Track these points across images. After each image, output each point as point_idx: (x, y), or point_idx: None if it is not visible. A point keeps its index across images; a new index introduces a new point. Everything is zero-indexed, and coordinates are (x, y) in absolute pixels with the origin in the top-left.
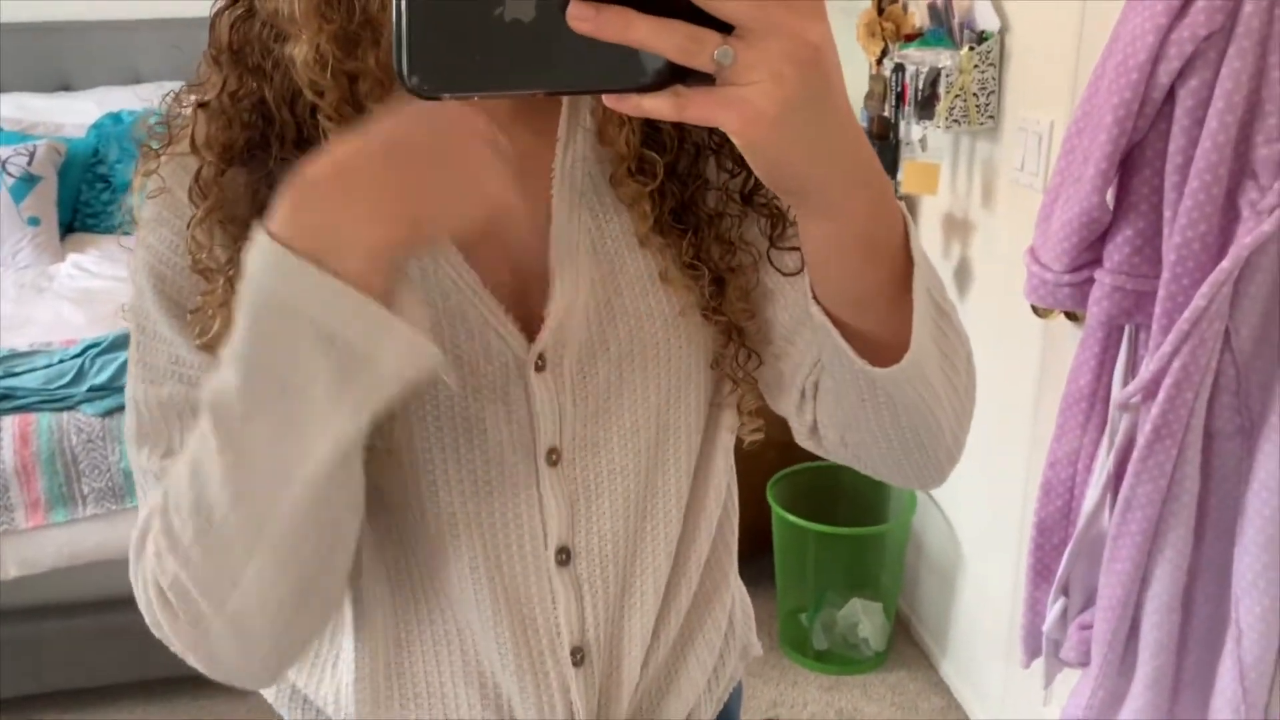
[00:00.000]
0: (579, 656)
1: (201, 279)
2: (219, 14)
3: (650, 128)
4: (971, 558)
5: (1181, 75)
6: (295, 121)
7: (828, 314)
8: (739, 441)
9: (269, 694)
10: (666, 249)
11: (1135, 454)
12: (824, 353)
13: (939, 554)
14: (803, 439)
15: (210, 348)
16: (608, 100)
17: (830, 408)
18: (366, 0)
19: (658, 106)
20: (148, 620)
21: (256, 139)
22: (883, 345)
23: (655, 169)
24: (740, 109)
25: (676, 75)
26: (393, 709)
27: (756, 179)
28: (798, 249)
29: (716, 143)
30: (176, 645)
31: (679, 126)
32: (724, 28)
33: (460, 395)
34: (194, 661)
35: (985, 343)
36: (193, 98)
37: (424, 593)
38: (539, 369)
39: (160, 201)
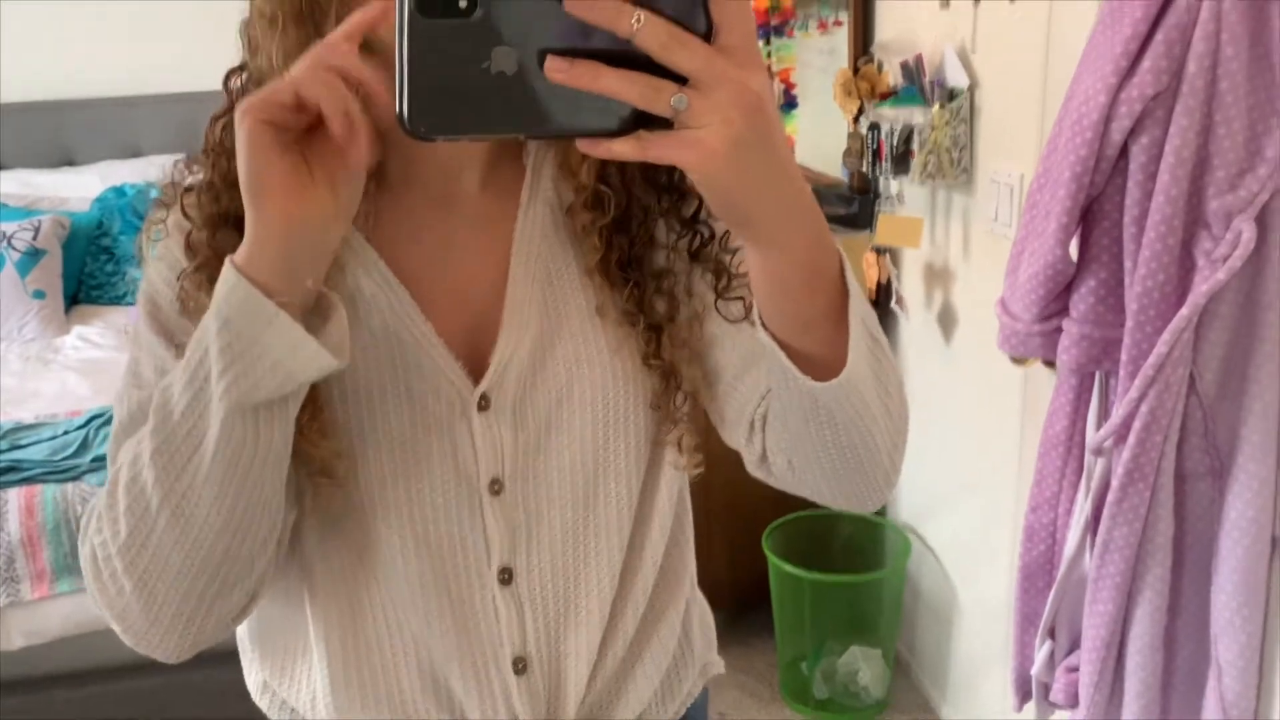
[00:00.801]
0: (520, 666)
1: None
2: (214, 119)
3: (601, 186)
4: (966, 601)
5: (1133, 133)
6: None
7: (775, 339)
8: (734, 492)
9: (259, 699)
10: (608, 288)
11: (1110, 497)
12: (772, 376)
13: (935, 598)
14: (753, 468)
15: None
16: (581, 144)
17: (778, 433)
18: None
19: (624, 149)
20: (86, 587)
21: (239, 210)
22: (823, 365)
23: (608, 205)
24: (695, 148)
25: (640, 121)
26: (359, 711)
27: (702, 239)
28: (740, 299)
29: (664, 208)
30: (101, 605)
31: (627, 189)
32: (679, 79)
33: (410, 429)
34: (114, 623)
35: (969, 389)
36: (195, 167)
37: (382, 607)
38: (482, 408)
39: (164, 245)
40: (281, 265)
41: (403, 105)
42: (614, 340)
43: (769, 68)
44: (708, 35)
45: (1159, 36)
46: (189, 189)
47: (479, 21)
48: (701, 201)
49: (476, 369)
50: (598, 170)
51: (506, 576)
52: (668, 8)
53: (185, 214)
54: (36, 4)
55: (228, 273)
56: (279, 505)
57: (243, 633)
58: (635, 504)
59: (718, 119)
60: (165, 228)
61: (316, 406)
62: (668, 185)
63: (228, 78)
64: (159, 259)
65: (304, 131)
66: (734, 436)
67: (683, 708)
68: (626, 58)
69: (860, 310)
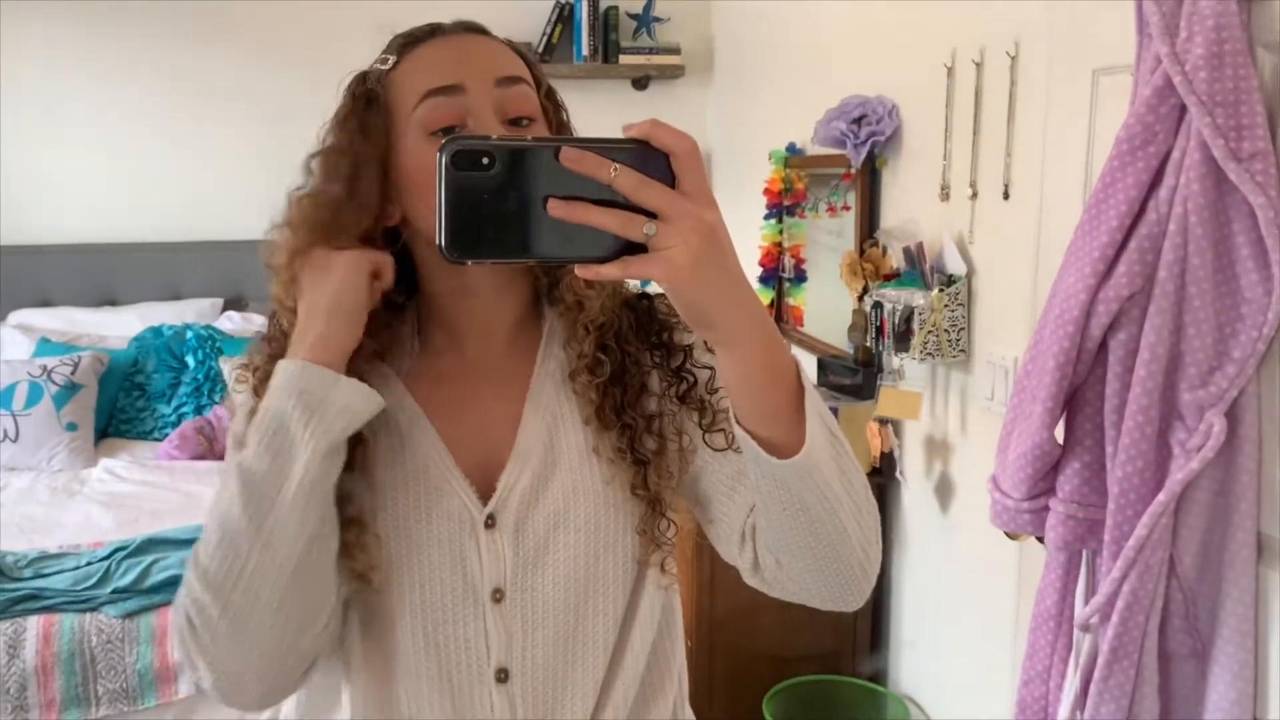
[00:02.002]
0: None
1: None
2: (271, 316)
3: (601, 350)
4: None
5: (1111, 328)
6: None
7: (748, 432)
8: (736, 656)
9: None
10: (604, 432)
11: (1096, 674)
12: (748, 466)
13: None
14: (748, 576)
15: None
16: (579, 270)
17: (764, 534)
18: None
19: (611, 270)
20: (178, 652)
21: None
22: (790, 453)
23: (603, 368)
24: (664, 264)
25: (623, 250)
26: None
27: (688, 384)
28: (723, 430)
29: (656, 361)
30: (199, 662)
31: (622, 349)
32: (650, 214)
33: (427, 542)
34: (207, 675)
35: (966, 560)
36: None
37: (397, 695)
38: (488, 526)
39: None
40: (340, 356)
41: (441, 237)
42: (607, 474)
43: (780, 243)
44: (672, 184)
45: (1132, 244)
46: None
47: (497, 174)
48: (687, 353)
49: (487, 494)
50: (596, 340)
51: (503, 676)
52: (640, 164)
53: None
54: (87, 153)
55: (288, 364)
56: (335, 554)
57: None
58: (620, 617)
59: (680, 241)
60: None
61: (362, 525)
62: (658, 343)
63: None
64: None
65: None
66: (729, 550)
67: None
68: (610, 201)
69: (816, 406)
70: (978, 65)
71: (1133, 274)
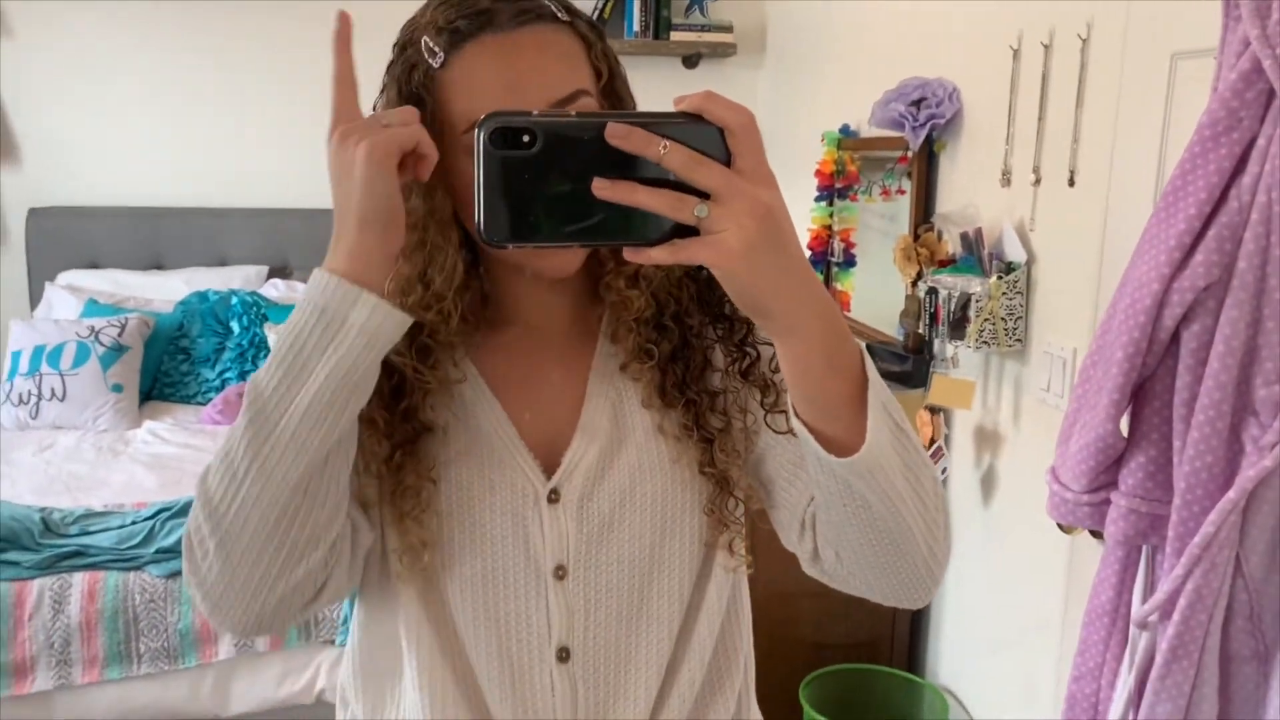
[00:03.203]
0: None
1: None
2: None
3: (656, 329)
4: None
5: (1184, 320)
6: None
7: (806, 425)
8: (773, 641)
9: None
10: (667, 411)
11: (1153, 672)
12: (808, 462)
13: None
14: (807, 566)
15: None
16: (626, 253)
17: (824, 527)
18: (435, 280)
19: (661, 255)
20: (183, 570)
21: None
22: (851, 449)
23: (653, 356)
24: (715, 248)
25: (672, 233)
26: None
27: (750, 360)
28: (785, 412)
29: (720, 334)
30: (190, 581)
31: (681, 325)
32: (702, 194)
33: (489, 515)
34: (195, 593)
35: (1013, 553)
36: None
37: (455, 674)
38: (552, 501)
39: None
40: (377, 277)
41: (480, 220)
42: (673, 452)
43: (830, 226)
44: (727, 162)
45: (1211, 233)
46: None
47: (539, 152)
48: (750, 327)
49: (551, 469)
50: (640, 336)
51: (564, 655)
52: (692, 140)
53: None
54: (138, 118)
55: (319, 276)
56: (342, 490)
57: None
58: (686, 601)
59: (734, 224)
60: None
61: (422, 500)
62: (720, 315)
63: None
64: None
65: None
66: (789, 538)
67: None
68: (660, 182)
69: (882, 397)
70: (1046, 48)
71: (1210, 264)
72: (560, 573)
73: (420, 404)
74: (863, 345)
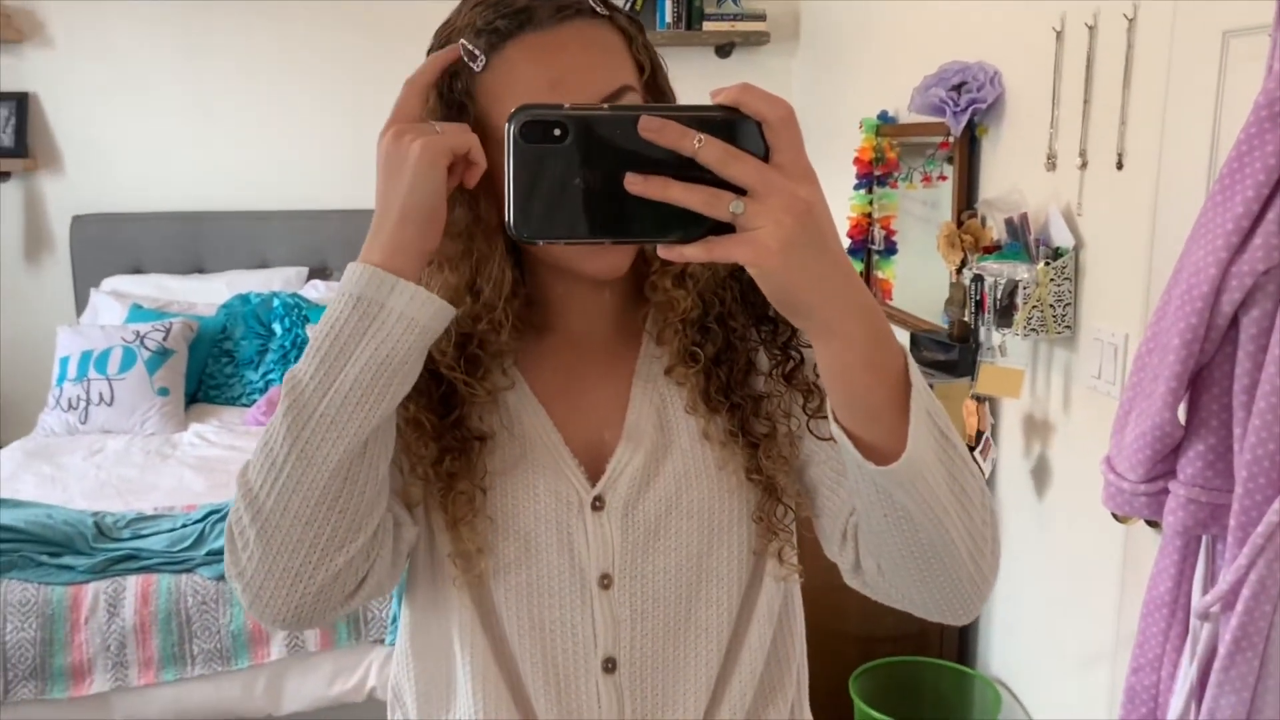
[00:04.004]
0: None
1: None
2: None
3: (700, 331)
4: None
5: (1244, 305)
6: (432, 371)
7: (845, 431)
8: (822, 635)
9: None
10: (712, 416)
11: (1217, 664)
12: (848, 470)
13: None
14: (849, 577)
15: None
16: (660, 251)
17: (865, 538)
18: (484, 290)
19: (695, 252)
20: (225, 568)
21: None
22: (891, 457)
23: (699, 359)
24: (751, 246)
25: (707, 230)
26: None
27: (794, 364)
28: (827, 418)
29: (763, 337)
30: (230, 571)
31: (725, 328)
32: (738, 190)
33: (534, 523)
34: (235, 584)
35: (1065, 543)
36: None
37: (507, 680)
38: (596, 508)
39: None
40: (414, 261)
41: (510, 214)
42: (719, 458)
43: (870, 214)
44: (765, 156)
45: (1270, 215)
46: None
47: (570, 146)
48: (794, 330)
49: (595, 475)
50: (686, 339)
51: (610, 666)
52: (728, 134)
53: None
54: (178, 123)
55: (354, 268)
56: (382, 480)
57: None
58: (735, 611)
59: (771, 221)
60: None
61: (474, 507)
62: (764, 317)
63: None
64: None
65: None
66: (830, 548)
67: None
68: (695, 177)
69: (925, 403)
70: (1090, 29)
71: (1270, 247)
72: (605, 582)
73: (470, 414)
74: (906, 349)
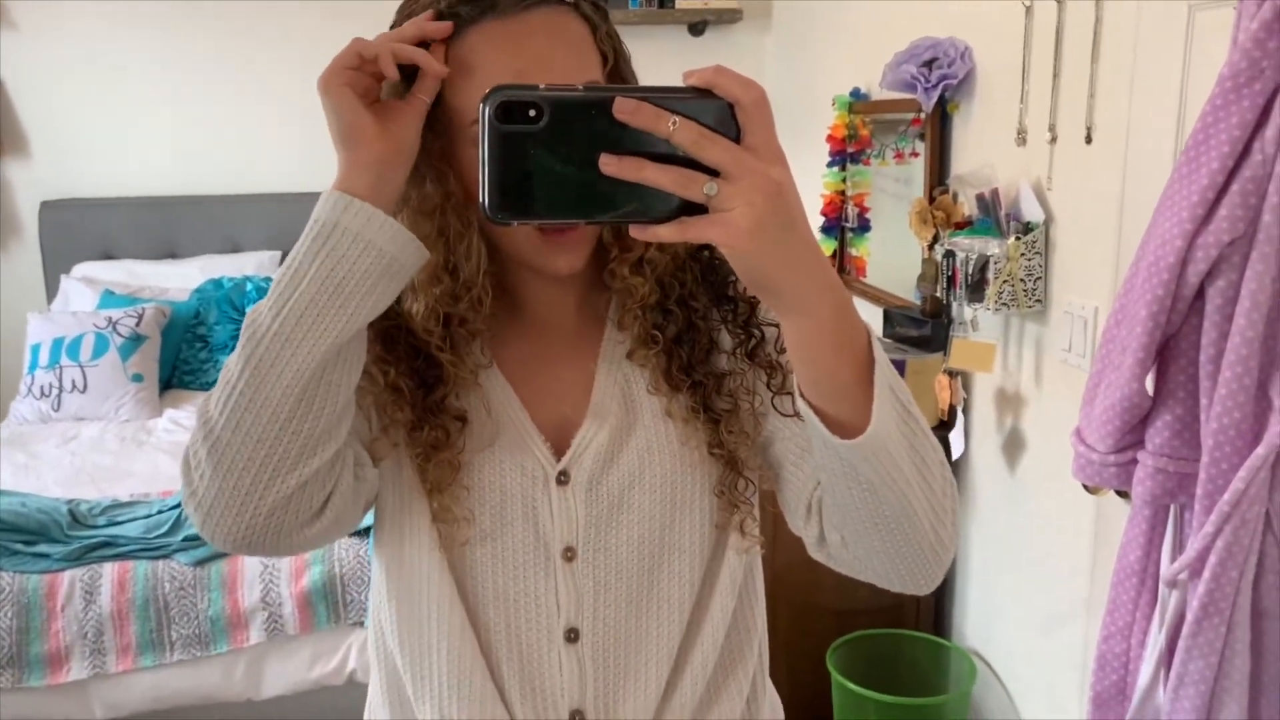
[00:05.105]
0: (577, 718)
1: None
2: None
3: (661, 315)
4: None
5: (1209, 276)
6: (411, 343)
7: (811, 406)
8: (799, 609)
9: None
10: (674, 394)
11: (1185, 630)
12: (813, 444)
13: None
14: (813, 549)
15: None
16: (633, 230)
17: (829, 511)
18: (462, 268)
19: (668, 232)
20: (182, 500)
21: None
22: (856, 432)
23: (659, 341)
24: (724, 227)
25: (681, 210)
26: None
27: (755, 341)
28: (791, 394)
29: (725, 315)
30: (184, 492)
31: (686, 309)
32: (711, 172)
33: (500, 496)
34: (188, 504)
35: (1039, 514)
36: None
37: (469, 654)
38: (561, 482)
39: None
40: (368, 188)
41: (484, 196)
42: (682, 434)
43: (843, 192)
44: (737, 138)
45: (1235, 187)
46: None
47: (545, 128)
48: (754, 308)
49: (561, 451)
50: (646, 322)
51: (573, 636)
52: (702, 116)
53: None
54: (147, 107)
55: (323, 196)
56: (340, 410)
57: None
58: (697, 584)
59: (743, 202)
60: None
61: (456, 476)
62: (724, 296)
63: None
64: None
65: (371, 101)
66: (795, 521)
67: None
68: (668, 158)
69: (888, 379)
70: (1059, 3)
71: (1234, 218)
72: (569, 554)
73: (450, 393)
74: (872, 326)
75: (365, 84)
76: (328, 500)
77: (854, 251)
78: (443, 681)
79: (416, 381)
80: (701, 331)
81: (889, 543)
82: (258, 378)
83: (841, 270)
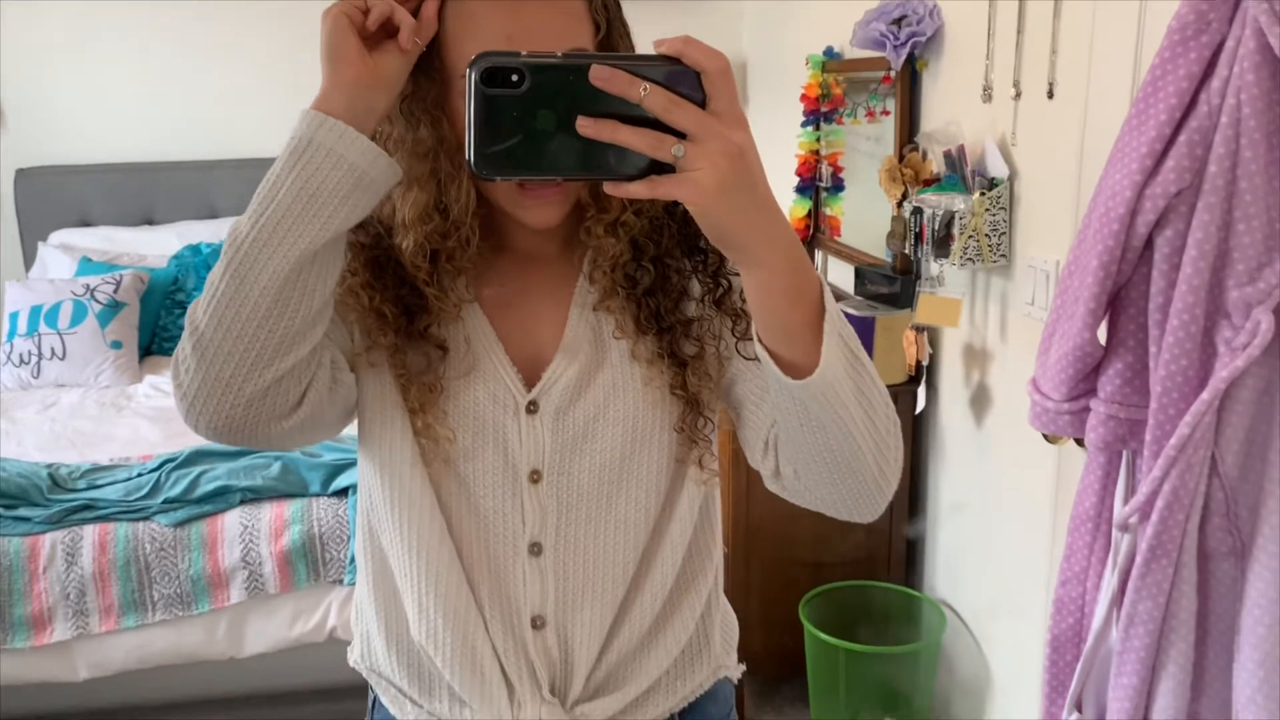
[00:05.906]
0: (538, 623)
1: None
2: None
3: (633, 267)
4: (1000, 673)
5: (1158, 226)
6: (399, 274)
7: (767, 350)
8: (773, 562)
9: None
10: (641, 338)
11: (1134, 572)
12: (769, 385)
13: (969, 674)
14: (769, 483)
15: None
16: (606, 187)
17: (784, 447)
18: (452, 209)
19: (639, 189)
20: (175, 401)
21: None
22: (807, 373)
23: (628, 292)
24: (690, 186)
25: (650, 169)
26: (437, 636)
27: (723, 290)
28: (752, 340)
29: (696, 266)
30: (172, 386)
31: (659, 265)
32: (679, 135)
33: (475, 422)
34: (174, 395)
35: (1004, 466)
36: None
37: (446, 559)
38: (530, 411)
39: None
40: (344, 108)
41: (470, 153)
42: (646, 375)
43: (818, 151)
44: (703, 104)
45: (1182, 138)
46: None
47: (527, 92)
48: (723, 259)
49: (533, 383)
50: (613, 279)
51: (536, 550)
52: (671, 83)
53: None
54: (122, 72)
55: (300, 113)
56: (316, 310)
57: (360, 609)
58: (656, 510)
59: (708, 164)
60: None
61: (435, 397)
62: (695, 248)
63: None
64: None
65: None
66: (754, 456)
67: (691, 696)
68: (640, 121)
69: (837, 326)
70: None
71: (1181, 169)
72: (535, 477)
73: (434, 323)
74: (823, 278)
75: (361, 22)
76: (303, 397)
77: (828, 211)
78: (422, 580)
79: (401, 309)
80: (674, 282)
81: (836, 475)
82: (238, 279)
83: (817, 230)
